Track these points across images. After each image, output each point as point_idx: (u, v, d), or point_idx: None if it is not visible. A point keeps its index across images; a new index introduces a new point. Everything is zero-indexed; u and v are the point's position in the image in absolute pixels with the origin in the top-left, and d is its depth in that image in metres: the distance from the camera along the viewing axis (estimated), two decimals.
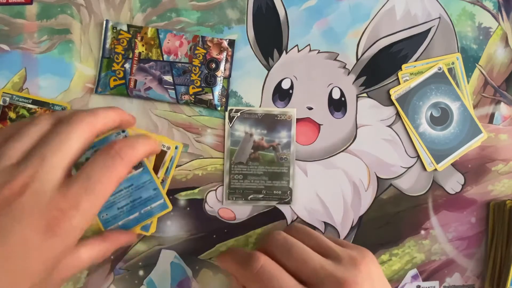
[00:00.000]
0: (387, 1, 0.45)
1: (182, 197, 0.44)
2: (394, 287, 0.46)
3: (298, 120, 0.44)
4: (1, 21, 0.41)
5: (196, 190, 0.44)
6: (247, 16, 0.44)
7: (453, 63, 0.46)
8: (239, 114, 0.43)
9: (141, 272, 0.44)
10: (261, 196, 0.44)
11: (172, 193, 0.44)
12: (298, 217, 0.45)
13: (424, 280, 0.47)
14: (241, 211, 0.44)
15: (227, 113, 0.43)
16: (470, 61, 0.47)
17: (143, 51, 0.42)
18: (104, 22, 0.41)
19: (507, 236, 0.45)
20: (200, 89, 0.43)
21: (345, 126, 0.45)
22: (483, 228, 0.47)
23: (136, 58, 0.42)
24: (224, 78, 0.43)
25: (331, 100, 0.45)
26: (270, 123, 0.44)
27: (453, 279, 0.47)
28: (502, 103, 0.47)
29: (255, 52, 0.44)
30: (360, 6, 0.45)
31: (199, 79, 0.42)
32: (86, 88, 0.42)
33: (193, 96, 0.43)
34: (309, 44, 0.45)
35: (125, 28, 0.41)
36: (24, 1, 0.41)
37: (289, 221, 0.45)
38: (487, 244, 0.47)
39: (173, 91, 0.42)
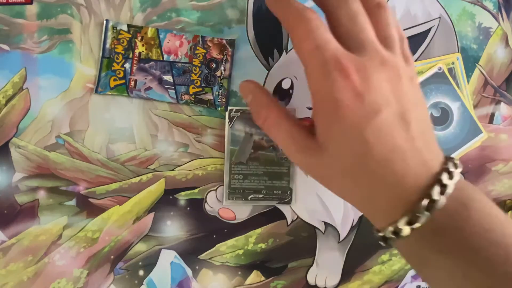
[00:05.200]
0: (387, 1, 0.45)
1: (182, 197, 0.44)
2: (394, 287, 0.46)
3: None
4: (1, 21, 0.41)
5: (196, 190, 0.44)
6: (247, 16, 0.44)
7: (453, 63, 0.46)
8: (239, 114, 0.43)
9: (141, 272, 0.44)
10: (261, 196, 0.44)
11: (172, 193, 0.44)
12: (298, 217, 0.45)
13: None
14: (241, 211, 0.44)
15: (227, 113, 0.43)
16: (470, 61, 0.47)
17: (143, 51, 0.42)
18: (104, 22, 0.41)
19: None
20: (200, 89, 0.43)
21: None
22: None
23: (136, 58, 0.42)
24: (224, 78, 0.43)
25: None
26: None
27: None
28: (502, 103, 0.47)
29: (255, 52, 0.44)
30: None
31: (199, 79, 0.42)
32: (86, 88, 0.42)
33: (193, 96, 0.43)
34: None
35: (125, 28, 0.41)
36: (24, 1, 0.41)
37: (289, 221, 0.45)
38: None
39: (173, 91, 0.42)
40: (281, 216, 0.45)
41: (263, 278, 0.45)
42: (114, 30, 0.41)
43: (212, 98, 0.43)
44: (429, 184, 0.29)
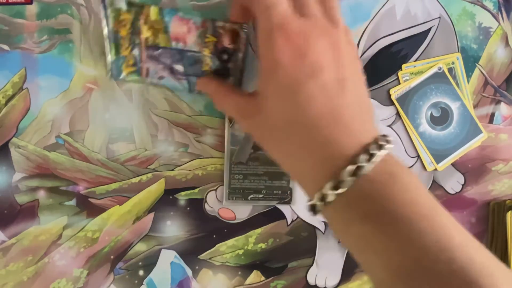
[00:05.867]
0: (387, 1, 0.45)
1: (182, 197, 0.44)
2: None
3: None
4: (1, 21, 0.41)
5: (196, 190, 0.44)
6: None
7: (453, 63, 0.46)
8: None
9: (141, 272, 0.44)
10: (261, 196, 0.44)
11: (172, 193, 0.44)
12: (298, 216, 0.45)
13: None
14: (241, 211, 0.44)
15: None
16: (470, 61, 0.47)
17: (149, 36, 0.39)
18: (101, 4, 0.38)
19: (507, 236, 0.45)
20: None
21: None
22: (483, 228, 0.47)
23: (144, 44, 0.39)
24: (239, 70, 0.40)
25: None
26: None
27: None
28: (502, 103, 0.47)
29: (255, 51, 0.44)
30: (360, 6, 0.45)
31: (211, 70, 0.39)
32: (86, 88, 0.42)
33: None
34: None
35: (124, 6, 0.38)
36: (24, 1, 0.41)
37: (289, 221, 0.45)
38: (487, 244, 0.47)
39: (185, 81, 0.40)
40: (281, 216, 0.45)
41: (263, 278, 0.45)
42: (113, 9, 0.38)
43: None
44: (356, 152, 0.30)
